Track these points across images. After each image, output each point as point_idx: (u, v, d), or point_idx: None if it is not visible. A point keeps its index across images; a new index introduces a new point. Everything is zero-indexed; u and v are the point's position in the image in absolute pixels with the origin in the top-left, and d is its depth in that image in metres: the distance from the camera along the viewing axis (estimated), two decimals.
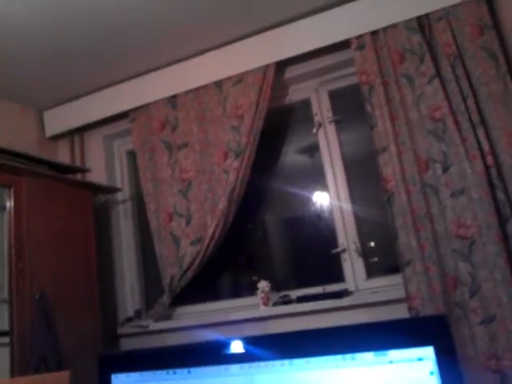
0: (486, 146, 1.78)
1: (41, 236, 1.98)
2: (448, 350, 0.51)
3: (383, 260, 2.18)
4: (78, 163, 2.67)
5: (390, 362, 0.55)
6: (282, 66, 2.24)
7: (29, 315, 1.82)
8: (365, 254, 2.15)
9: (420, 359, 0.54)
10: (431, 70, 1.90)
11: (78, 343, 1.97)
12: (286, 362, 0.61)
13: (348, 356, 0.57)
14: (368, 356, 0.56)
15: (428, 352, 0.53)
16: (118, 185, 2.66)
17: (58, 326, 1.88)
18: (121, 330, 2.38)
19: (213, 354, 0.64)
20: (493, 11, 1.89)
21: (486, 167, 1.77)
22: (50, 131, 2.68)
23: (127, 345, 2.38)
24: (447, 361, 0.51)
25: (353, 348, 0.57)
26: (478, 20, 1.87)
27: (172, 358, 0.66)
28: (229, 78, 2.27)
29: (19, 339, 1.78)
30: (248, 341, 0.63)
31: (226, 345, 0.64)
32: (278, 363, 0.62)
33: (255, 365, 0.62)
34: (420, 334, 0.53)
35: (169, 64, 2.41)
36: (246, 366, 0.63)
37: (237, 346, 0.62)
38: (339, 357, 0.57)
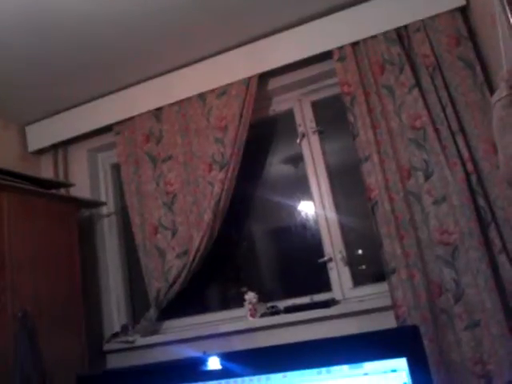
0: (465, 154, 1.81)
1: (23, 253, 1.95)
2: (420, 361, 0.52)
3: (369, 268, 2.19)
4: (61, 177, 2.65)
5: (365, 374, 0.56)
6: (264, 77, 2.26)
7: (11, 334, 1.78)
8: (351, 262, 2.16)
9: (394, 370, 0.54)
10: (411, 80, 1.93)
11: (63, 361, 1.94)
12: (263, 377, 0.61)
13: (324, 369, 0.57)
14: (343, 369, 0.57)
15: (401, 363, 0.53)
16: (103, 199, 2.64)
17: (42, 344, 1.84)
18: (107, 347, 2.34)
19: (190, 372, 0.63)
20: (468, 22, 1.94)
21: (467, 174, 1.80)
22: (32, 146, 2.65)
23: (114, 361, 2.34)
24: (420, 371, 0.52)
25: (328, 361, 0.57)
26: (455, 31, 1.92)
27: (149, 376, 0.66)
28: (212, 91, 2.28)
29: (1, 358, 1.74)
30: (225, 357, 0.62)
31: (203, 362, 0.63)
32: (255, 379, 0.61)
33: (232, 381, 0.62)
34: (393, 346, 0.53)
35: (153, 77, 2.41)
36: (223, 382, 0.62)
37: (214, 363, 0.62)
38: (315, 370, 0.57)
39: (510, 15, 0.90)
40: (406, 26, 2.01)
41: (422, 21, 1.98)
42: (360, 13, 2.07)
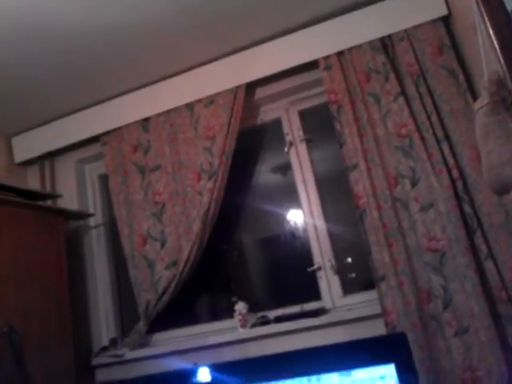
0: (451, 161, 1.84)
1: (8, 266, 1.91)
2: (408, 366, 0.52)
3: (359, 276, 2.19)
4: (48, 189, 2.61)
5: (354, 381, 0.56)
6: (252, 86, 2.27)
7: None
8: (340, 270, 2.15)
9: (382, 377, 0.54)
10: (396, 89, 1.96)
11: (50, 377, 1.90)
12: None
13: (313, 377, 0.57)
14: (333, 377, 0.56)
15: (390, 370, 0.53)
16: (91, 210, 2.61)
17: (28, 360, 1.80)
18: (95, 361, 2.29)
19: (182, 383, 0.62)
20: (450, 32, 1.98)
21: (452, 181, 1.82)
22: (19, 157, 2.62)
23: (103, 376, 2.30)
24: (408, 377, 0.52)
25: (318, 369, 0.57)
26: (438, 40, 1.96)
27: None
28: (200, 100, 2.28)
29: None
30: (216, 368, 0.62)
31: (194, 373, 0.62)
32: None
33: None
34: (382, 353, 0.53)
35: (140, 87, 2.41)
36: None
37: (204, 374, 0.61)
38: (305, 379, 0.57)
39: (489, 25, 0.92)
40: (389, 36, 2.04)
41: (405, 30, 2.01)
42: (345, 23, 2.10)
